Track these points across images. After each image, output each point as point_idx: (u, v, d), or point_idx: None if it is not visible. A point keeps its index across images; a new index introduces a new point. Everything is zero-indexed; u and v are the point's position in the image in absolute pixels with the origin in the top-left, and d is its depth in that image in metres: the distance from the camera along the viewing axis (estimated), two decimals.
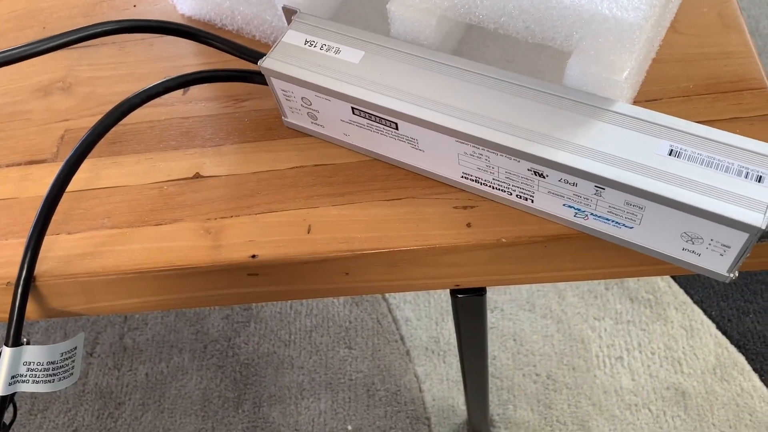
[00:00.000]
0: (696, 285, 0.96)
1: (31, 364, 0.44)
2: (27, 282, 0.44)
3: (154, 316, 1.05)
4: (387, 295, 1.04)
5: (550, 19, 0.36)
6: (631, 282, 0.98)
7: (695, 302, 0.95)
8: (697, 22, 0.49)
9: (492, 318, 0.97)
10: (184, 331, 1.02)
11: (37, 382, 0.45)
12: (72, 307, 0.49)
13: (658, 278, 0.97)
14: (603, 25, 0.35)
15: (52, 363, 0.45)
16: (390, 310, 1.01)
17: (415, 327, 0.98)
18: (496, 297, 0.99)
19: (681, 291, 0.96)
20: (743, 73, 0.46)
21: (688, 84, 0.46)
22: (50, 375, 0.45)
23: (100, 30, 0.48)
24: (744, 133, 0.42)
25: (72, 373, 0.46)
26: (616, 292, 0.97)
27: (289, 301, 1.06)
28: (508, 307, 0.98)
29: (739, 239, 0.35)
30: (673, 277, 0.97)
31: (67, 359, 0.46)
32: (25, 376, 0.43)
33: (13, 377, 0.42)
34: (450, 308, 1.01)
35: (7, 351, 0.42)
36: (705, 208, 0.34)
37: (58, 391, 0.98)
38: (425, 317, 0.99)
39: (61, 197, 0.44)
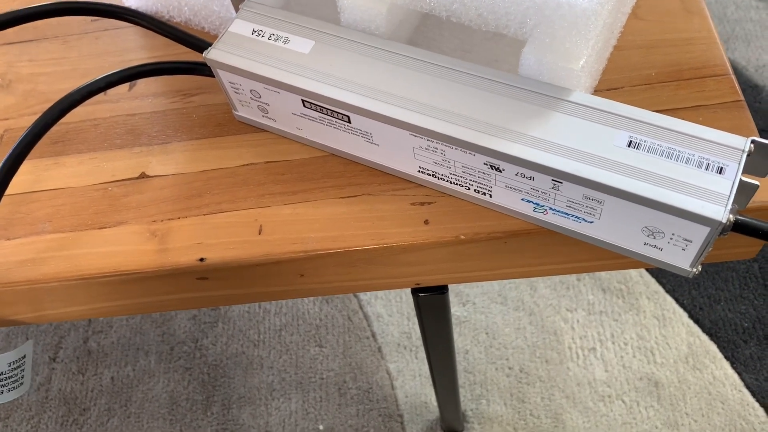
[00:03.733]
0: (668, 274, 0.96)
1: None
2: None
3: (118, 318, 1.02)
4: None
5: (502, 6, 0.35)
6: (603, 273, 0.97)
7: (667, 291, 0.94)
8: (658, 7, 0.47)
9: (464, 311, 0.96)
10: (150, 333, 1.00)
11: None
12: (17, 315, 0.47)
13: None
14: (557, 12, 0.33)
15: (0, 374, 0.43)
16: (361, 307, 0.99)
17: (387, 323, 0.97)
18: (467, 290, 0.98)
19: (653, 280, 0.95)
20: (706, 59, 0.45)
21: (651, 71, 0.45)
22: None
23: (43, 9, 0.45)
24: (707, 121, 0.41)
25: (22, 383, 0.44)
26: (588, 283, 0.96)
27: None
28: (479, 301, 0.97)
29: (701, 233, 0.33)
30: None
31: (15, 369, 0.43)
32: None
33: None
34: None
35: None
36: (664, 202, 0.33)
37: (20, 398, 0.95)
38: (397, 313, 0.97)
39: None
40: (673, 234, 0.35)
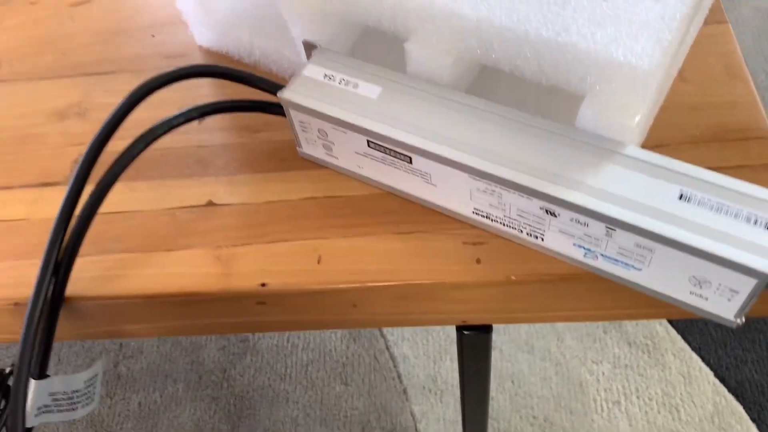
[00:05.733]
0: (694, 331, 0.96)
1: (56, 394, 0.44)
2: (55, 311, 0.44)
3: (149, 344, 1.04)
4: (385, 331, 1.04)
5: (564, 63, 0.38)
6: (629, 326, 0.98)
7: (693, 349, 0.95)
8: (703, 71, 0.50)
9: None
10: (180, 361, 1.01)
11: (62, 410, 0.44)
12: (78, 330, 0.49)
13: (656, 324, 0.97)
14: (617, 71, 0.36)
15: (76, 391, 0.45)
16: (388, 347, 1.00)
17: (413, 365, 0.98)
18: (495, 337, 0.99)
19: (679, 337, 0.96)
20: (749, 122, 0.47)
21: (695, 131, 0.47)
22: (74, 403, 0.45)
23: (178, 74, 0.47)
24: (750, 181, 0.43)
25: (93, 399, 0.46)
26: (614, 336, 0.97)
27: (287, 335, 1.05)
28: (506, 348, 0.98)
29: (747, 285, 0.35)
30: (671, 323, 0.97)
31: (89, 386, 0.46)
32: (51, 406, 0.43)
33: (39, 408, 0.42)
34: (449, 347, 1.01)
35: (34, 384, 0.42)
36: (714, 253, 0.35)
37: None
38: (423, 355, 0.98)
39: (91, 222, 0.44)
40: (720, 284, 0.36)
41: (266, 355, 1.01)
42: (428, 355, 0.98)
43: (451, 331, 1.02)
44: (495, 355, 0.97)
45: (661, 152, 0.45)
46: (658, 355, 0.94)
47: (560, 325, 0.99)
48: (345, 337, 1.03)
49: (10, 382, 0.53)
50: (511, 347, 0.98)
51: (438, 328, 1.02)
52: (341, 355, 1.00)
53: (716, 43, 0.51)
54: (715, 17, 0.53)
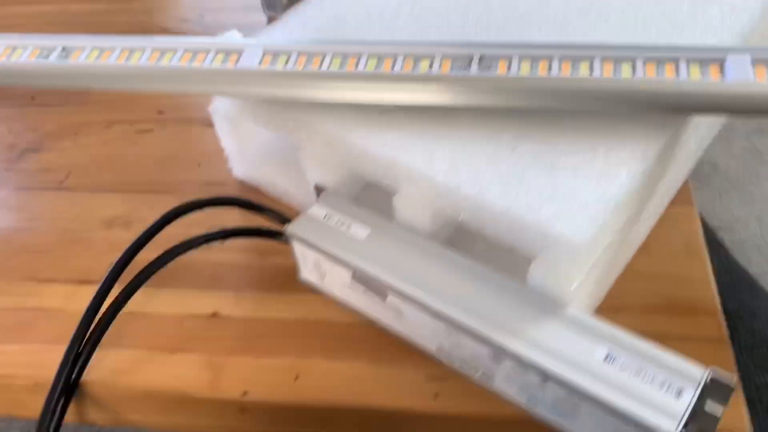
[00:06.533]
0: None
1: None
2: (69, 395, 0.51)
3: None
4: None
5: (516, 230, 0.44)
6: None
7: None
8: (665, 247, 0.55)
9: None
10: None
11: None
12: (84, 415, 0.55)
13: None
14: (555, 243, 0.42)
15: None
16: None
17: None
18: None
19: None
20: (699, 297, 0.52)
21: (650, 300, 0.52)
22: None
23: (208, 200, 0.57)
24: (692, 352, 0.47)
25: None
26: None
27: None
28: None
29: None
30: None
31: None
32: None
33: None
34: None
35: None
36: (624, 412, 0.39)
37: None
38: None
39: (113, 319, 0.52)
40: None
41: None
42: None
43: None
44: None
45: (614, 315, 0.51)
46: None
47: None
48: None
49: None
50: None
51: None
52: None
53: (679, 222, 0.57)
54: (683, 198, 0.59)
